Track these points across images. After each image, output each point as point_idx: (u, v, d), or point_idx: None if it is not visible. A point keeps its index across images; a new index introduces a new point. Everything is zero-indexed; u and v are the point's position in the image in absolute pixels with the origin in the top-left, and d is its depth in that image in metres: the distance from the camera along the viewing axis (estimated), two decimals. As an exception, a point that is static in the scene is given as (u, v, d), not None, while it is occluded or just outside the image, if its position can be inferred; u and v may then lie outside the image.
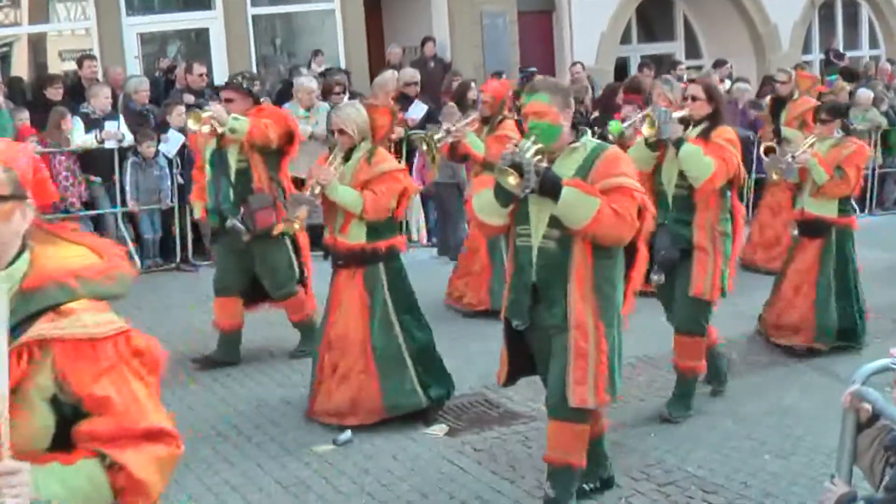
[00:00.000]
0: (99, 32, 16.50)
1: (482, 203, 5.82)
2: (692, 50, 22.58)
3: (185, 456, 6.97)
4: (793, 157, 9.23)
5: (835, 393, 8.02)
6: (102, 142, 12.58)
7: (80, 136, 12.59)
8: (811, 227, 9.36)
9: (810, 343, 9.24)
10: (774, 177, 9.64)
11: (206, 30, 17.29)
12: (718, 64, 18.47)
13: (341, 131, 7.64)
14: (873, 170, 16.11)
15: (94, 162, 12.76)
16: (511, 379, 6.21)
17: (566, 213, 5.56)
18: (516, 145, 5.65)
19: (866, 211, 16.19)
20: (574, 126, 5.86)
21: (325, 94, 13.98)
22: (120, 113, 13.19)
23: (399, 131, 13.07)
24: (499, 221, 5.87)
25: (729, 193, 7.67)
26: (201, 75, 14.38)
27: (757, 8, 21.72)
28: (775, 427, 7.57)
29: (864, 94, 17.00)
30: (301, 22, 19.05)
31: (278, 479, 6.79)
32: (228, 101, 8.87)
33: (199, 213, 9.57)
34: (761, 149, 11.03)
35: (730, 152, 7.45)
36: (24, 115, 12.82)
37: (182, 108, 12.84)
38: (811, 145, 9.38)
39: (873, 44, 24.49)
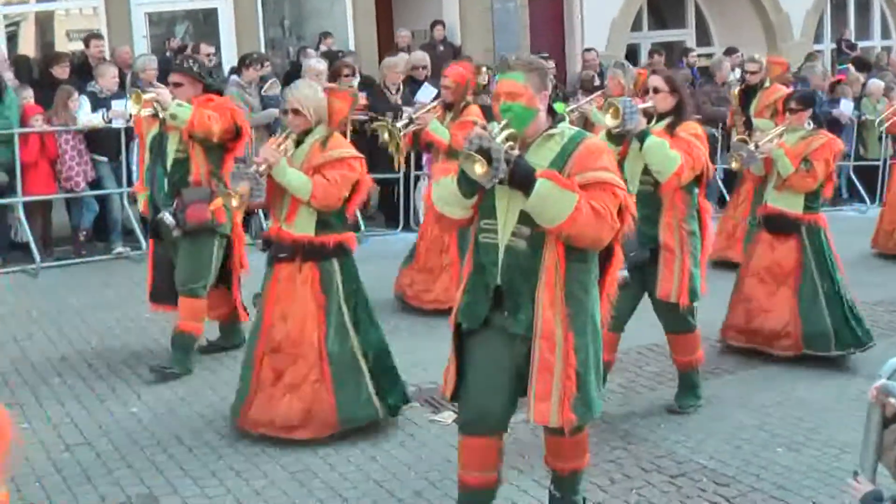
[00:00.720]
0: (107, 12, 16.43)
1: (442, 192, 5.16)
2: (703, 37, 22.48)
3: (189, 441, 7.01)
4: (757, 145, 8.70)
5: (848, 385, 8.12)
6: (110, 121, 12.51)
7: (86, 116, 12.53)
8: (775, 223, 8.79)
9: (800, 351, 8.62)
10: (734, 164, 8.98)
11: (215, 10, 17.23)
12: (730, 52, 18.32)
13: (296, 111, 6.99)
14: (885, 160, 15.90)
15: (100, 141, 12.73)
16: (459, 392, 5.36)
17: (539, 209, 4.88)
18: (484, 128, 4.94)
19: (876, 202, 16.03)
20: (551, 110, 5.22)
21: (334, 77, 13.85)
22: (127, 92, 13.05)
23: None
24: (460, 214, 5.18)
25: (696, 191, 7.34)
26: (209, 55, 14.28)
27: (769, -5, 21.58)
28: (787, 418, 7.46)
29: (876, 84, 16.90)
30: (310, 4, 18.97)
31: (283, 465, 6.70)
32: (177, 85, 8.31)
33: (142, 206, 8.84)
34: (732, 141, 10.80)
35: (696, 147, 7.12)
36: (29, 94, 12.72)
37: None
38: (779, 135, 8.82)
39: (885, 34, 24.40)
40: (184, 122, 8.05)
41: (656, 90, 7.32)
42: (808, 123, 8.83)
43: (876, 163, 16.53)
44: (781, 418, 7.46)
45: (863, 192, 16.76)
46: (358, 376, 7.01)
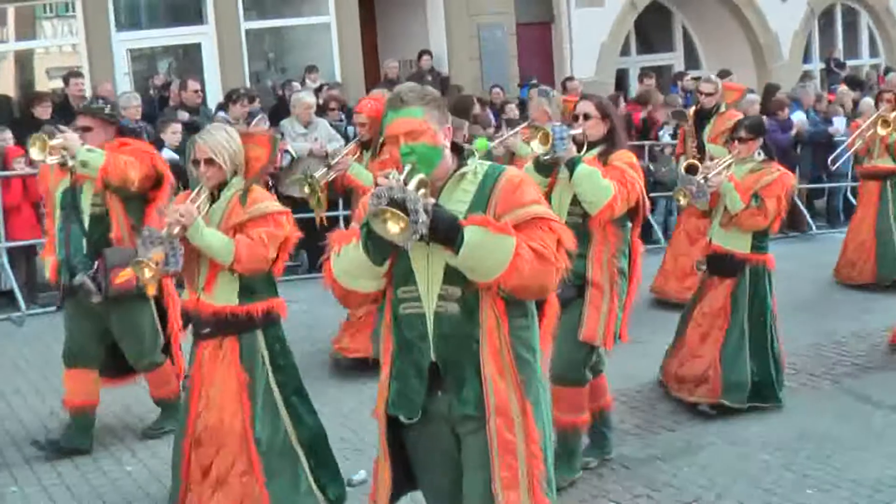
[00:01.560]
0: (88, 48, 16.20)
1: (346, 264, 4.28)
2: (691, 61, 22.39)
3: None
4: (706, 178, 7.91)
5: (871, 418, 7.78)
6: (93, 162, 12.13)
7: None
8: (720, 264, 8.12)
9: (715, 399, 7.90)
10: (682, 201, 8.08)
11: (198, 45, 17.03)
12: (722, 74, 18.06)
13: (209, 161, 5.93)
14: (848, 185, 15.63)
15: (85, 182, 12.30)
16: (396, 498, 4.59)
17: (472, 263, 4.09)
18: (387, 177, 4.06)
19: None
20: (455, 147, 4.42)
21: (320, 110, 13.57)
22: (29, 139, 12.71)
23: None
24: (372, 286, 4.35)
25: (629, 226, 6.74)
26: (196, 91, 13.99)
27: (757, 17, 21.51)
28: (814, 457, 7.13)
29: (868, 102, 16.66)
30: (294, 36, 18.74)
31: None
32: (85, 129, 7.31)
33: (49, 272, 7.69)
34: (681, 166, 9.87)
35: (631, 177, 6.53)
36: (8, 136, 12.36)
37: (178, 126, 12.41)
38: (728, 166, 8.07)
39: (873, 52, 24.28)
40: (96, 169, 7.04)
41: (586, 116, 6.70)
42: (758, 154, 8.14)
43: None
44: (808, 457, 7.14)
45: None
46: (294, 465, 6.09)
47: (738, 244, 8.04)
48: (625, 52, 21.22)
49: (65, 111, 13.37)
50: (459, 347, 4.29)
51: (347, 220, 10.44)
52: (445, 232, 4.03)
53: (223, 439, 5.95)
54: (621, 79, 21.03)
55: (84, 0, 16.23)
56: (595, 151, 6.66)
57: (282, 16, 18.10)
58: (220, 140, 5.99)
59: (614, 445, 7.19)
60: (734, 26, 21.71)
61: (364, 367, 8.61)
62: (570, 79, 17.86)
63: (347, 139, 12.37)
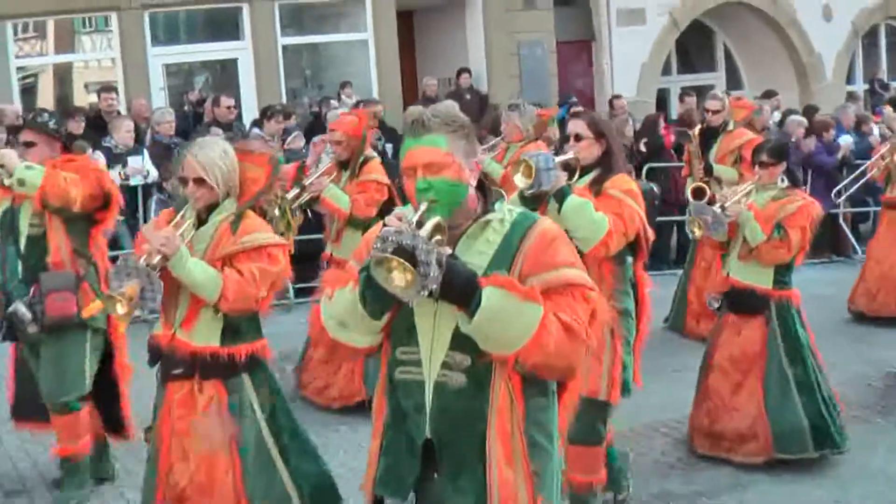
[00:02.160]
0: (123, 63, 16.12)
1: (338, 310, 3.66)
2: (733, 80, 22.11)
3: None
4: (723, 207, 7.22)
5: None
6: (126, 178, 11.99)
7: (102, 172, 12.00)
8: (740, 301, 7.37)
9: (769, 454, 7.17)
10: (696, 232, 7.34)
11: (235, 60, 16.92)
12: (768, 95, 17.82)
13: (199, 181, 5.20)
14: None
15: (117, 199, 12.17)
16: None
17: (488, 332, 3.46)
18: (400, 219, 3.48)
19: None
20: (481, 185, 3.75)
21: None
22: (145, 147, 12.66)
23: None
24: (366, 341, 3.72)
25: (630, 260, 6.15)
26: (229, 108, 13.87)
27: (800, 37, 21.24)
28: (871, 496, 6.82)
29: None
30: (332, 52, 18.63)
31: None
32: (28, 144, 6.67)
33: None
34: (688, 190, 9.60)
35: (629, 207, 5.90)
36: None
37: (209, 143, 12.25)
38: (747, 194, 7.36)
39: (918, 73, 23.94)
40: (34, 187, 6.38)
41: (578, 137, 6.05)
42: (782, 180, 7.41)
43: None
44: (861, 494, 6.84)
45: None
46: None
47: (759, 279, 7.31)
48: (666, 71, 20.98)
49: (98, 126, 13.31)
50: (462, 426, 3.63)
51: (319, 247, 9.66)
52: (460, 291, 3.43)
53: (212, 497, 5.25)
54: (662, 98, 20.78)
55: (120, 14, 16.16)
56: (588, 178, 6.03)
57: (319, 32, 17.99)
58: (214, 157, 5.22)
59: (651, 478, 6.91)
60: (777, 46, 21.44)
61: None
62: (618, 97, 17.61)
63: (384, 157, 12.11)
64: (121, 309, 5.01)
